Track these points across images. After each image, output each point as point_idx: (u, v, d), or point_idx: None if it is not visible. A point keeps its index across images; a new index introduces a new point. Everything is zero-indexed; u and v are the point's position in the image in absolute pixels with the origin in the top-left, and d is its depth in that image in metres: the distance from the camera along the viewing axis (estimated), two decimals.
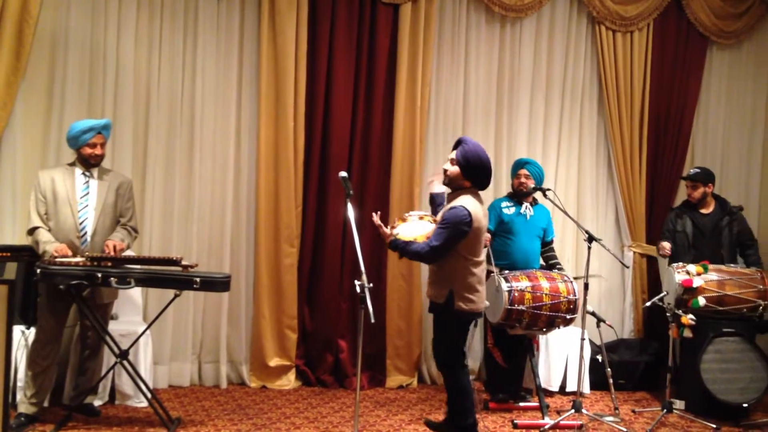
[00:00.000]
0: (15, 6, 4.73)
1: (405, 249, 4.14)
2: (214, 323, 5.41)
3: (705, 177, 5.49)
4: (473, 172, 4.16)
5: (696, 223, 5.48)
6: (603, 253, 5.43)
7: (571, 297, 4.78)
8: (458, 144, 4.25)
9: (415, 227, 4.24)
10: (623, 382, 5.71)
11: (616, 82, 6.14)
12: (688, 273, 5.10)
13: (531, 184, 5.16)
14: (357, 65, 5.56)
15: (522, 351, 5.15)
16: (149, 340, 4.83)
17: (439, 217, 4.23)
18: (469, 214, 4.04)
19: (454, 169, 4.18)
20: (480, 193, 4.25)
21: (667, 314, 5.05)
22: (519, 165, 5.28)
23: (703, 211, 5.52)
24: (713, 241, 5.46)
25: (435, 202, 4.55)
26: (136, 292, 5.08)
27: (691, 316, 5.02)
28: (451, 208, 4.10)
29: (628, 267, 6.12)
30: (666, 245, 5.48)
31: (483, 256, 4.24)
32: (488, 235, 5.05)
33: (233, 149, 5.45)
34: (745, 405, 5.02)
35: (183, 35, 5.31)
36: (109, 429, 4.32)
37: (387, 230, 4.24)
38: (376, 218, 4.29)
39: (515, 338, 5.11)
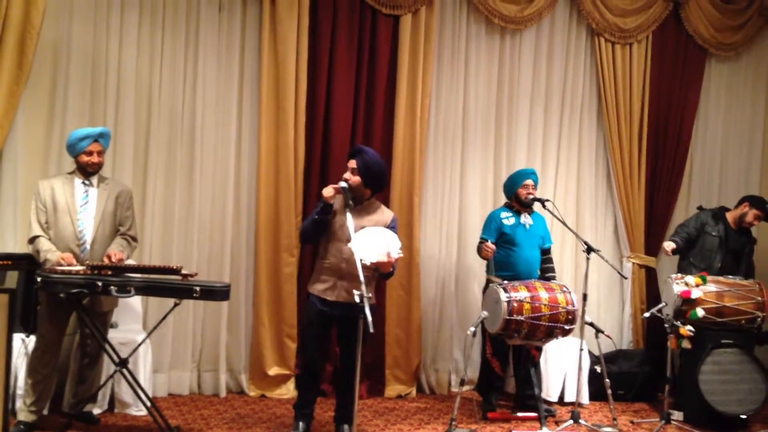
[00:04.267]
0: (17, 15, 4.74)
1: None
2: (213, 332, 5.42)
3: None
4: (373, 181, 4.39)
5: (728, 233, 5.61)
6: (602, 264, 5.44)
7: (569, 308, 4.79)
8: (357, 153, 4.40)
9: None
10: (622, 392, 5.72)
11: (615, 93, 6.17)
12: (686, 284, 5.11)
13: (535, 194, 5.19)
14: (357, 75, 5.58)
15: (524, 360, 5.16)
16: (149, 349, 4.84)
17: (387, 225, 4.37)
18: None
19: (356, 179, 4.34)
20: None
21: (666, 325, 5.06)
22: (526, 175, 5.26)
23: (734, 227, 5.67)
24: (736, 257, 5.64)
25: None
26: (136, 301, 5.08)
27: (689, 327, 5.02)
28: (393, 218, 4.48)
29: (626, 278, 6.13)
30: (668, 246, 5.52)
31: None
32: (493, 246, 5.06)
33: (234, 158, 5.47)
34: (743, 416, 5.04)
35: (184, 45, 5.34)
36: None
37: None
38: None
39: (515, 348, 5.13)
